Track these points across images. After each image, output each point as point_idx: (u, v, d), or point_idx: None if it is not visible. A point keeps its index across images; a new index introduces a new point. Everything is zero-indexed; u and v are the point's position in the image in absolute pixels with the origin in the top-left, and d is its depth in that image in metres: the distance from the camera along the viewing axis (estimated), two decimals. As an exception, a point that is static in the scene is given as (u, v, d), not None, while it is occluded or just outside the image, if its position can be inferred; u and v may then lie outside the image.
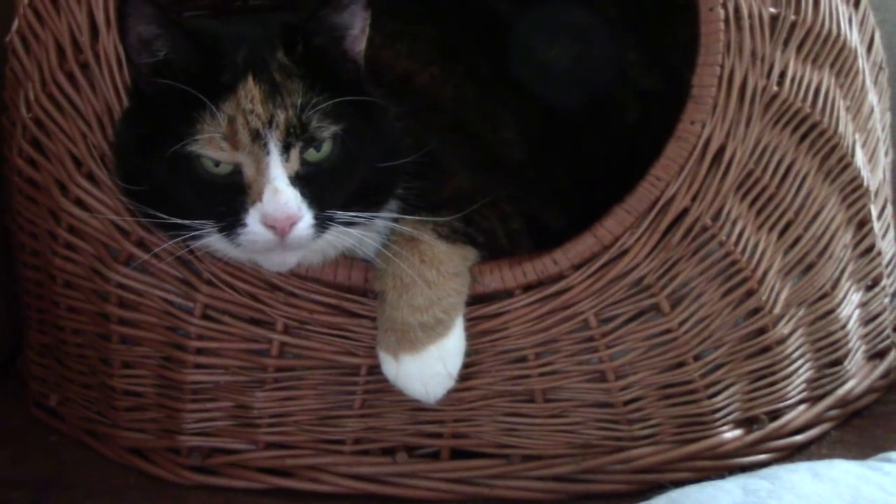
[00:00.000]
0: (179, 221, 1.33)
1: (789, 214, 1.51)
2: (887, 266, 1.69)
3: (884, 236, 1.67)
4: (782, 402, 1.57)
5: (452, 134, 1.58)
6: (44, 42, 1.51)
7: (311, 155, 1.33)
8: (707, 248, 1.47)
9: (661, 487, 1.42)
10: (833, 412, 1.63)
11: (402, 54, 1.62)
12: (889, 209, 1.70)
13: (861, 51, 1.58)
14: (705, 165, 1.44)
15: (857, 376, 1.66)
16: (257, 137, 1.30)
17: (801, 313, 1.56)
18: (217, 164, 1.31)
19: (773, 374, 1.55)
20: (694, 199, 1.45)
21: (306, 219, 1.31)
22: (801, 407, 1.60)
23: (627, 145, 1.61)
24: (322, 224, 1.33)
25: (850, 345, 1.63)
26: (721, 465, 1.52)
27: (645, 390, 1.51)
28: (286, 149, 1.31)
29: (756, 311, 1.52)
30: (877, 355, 1.70)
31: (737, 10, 1.43)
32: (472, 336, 1.46)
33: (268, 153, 1.30)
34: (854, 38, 1.56)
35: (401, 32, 1.65)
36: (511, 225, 1.54)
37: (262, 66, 1.33)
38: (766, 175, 1.48)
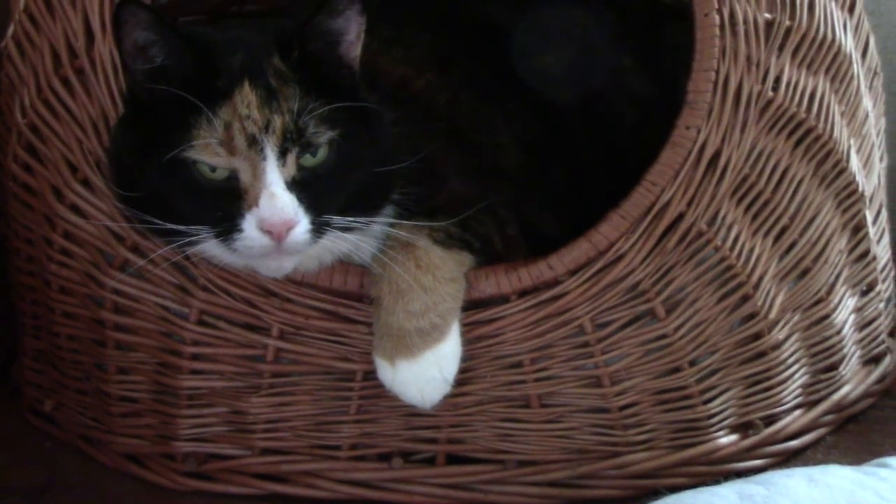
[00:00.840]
0: (176, 227, 1.33)
1: (784, 220, 1.51)
2: (882, 271, 1.69)
3: (879, 241, 1.68)
4: (778, 407, 1.58)
5: (448, 139, 1.58)
6: (39, 47, 1.51)
7: (308, 160, 1.33)
8: (702, 253, 1.47)
9: (656, 493, 1.42)
10: (828, 417, 1.63)
11: (398, 60, 1.62)
12: (884, 214, 1.70)
13: (856, 56, 1.59)
14: (700, 171, 1.44)
15: (853, 381, 1.66)
16: (254, 143, 1.30)
17: (796, 318, 1.56)
18: (213, 169, 1.31)
19: (768, 379, 1.55)
20: (689, 204, 1.45)
21: (303, 224, 1.31)
22: (797, 412, 1.60)
23: (623, 150, 1.61)
24: (318, 229, 1.33)
25: (846, 350, 1.64)
26: (716, 471, 1.52)
27: (640, 396, 1.51)
28: (283, 154, 1.31)
29: (751, 316, 1.52)
30: (872, 360, 1.71)
31: (732, 15, 1.44)
32: (467, 341, 1.46)
33: (264, 158, 1.30)
34: (849, 44, 1.56)
35: (397, 39, 1.65)
36: (507, 230, 1.55)
37: (259, 72, 1.33)
38: (761, 180, 1.48)
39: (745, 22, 1.44)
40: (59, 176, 1.51)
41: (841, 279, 1.60)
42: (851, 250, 1.62)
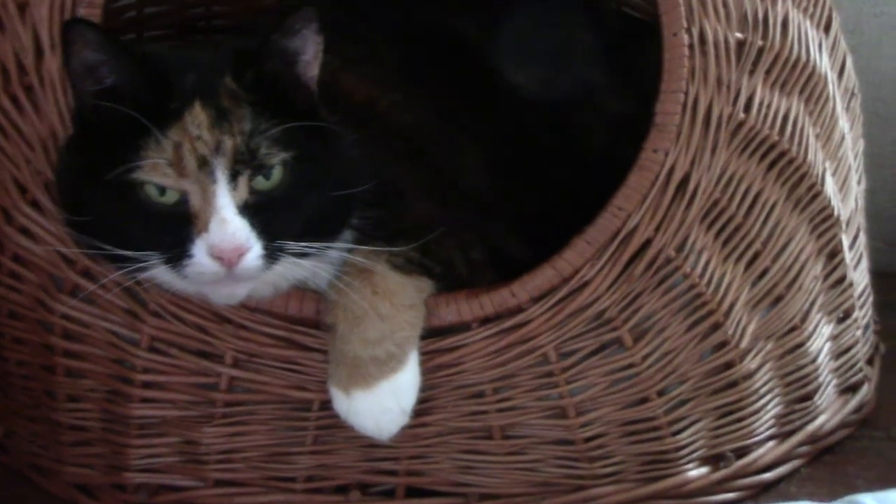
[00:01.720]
0: (124, 253, 1.28)
1: (757, 245, 1.46)
2: (860, 297, 1.64)
3: (856, 267, 1.63)
4: (750, 438, 1.53)
5: (412, 161, 1.53)
6: (-13, 63, 1.46)
7: (260, 183, 1.28)
8: (671, 280, 1.42)
9: (621, 529, 1.37)
10: (803, 448, 1.58)
11: (362, 80, 1.58)
12: (862, 238, 1.65)
13: (832, 76, 1.54)
14: (669, 195, 1.40)
15: (829, 411, 1.61)
16: (204, 164, 1.26)
17: (769, 347, 1.51)
18: (163, 192, 1.27)
19: (740, 409, 1.50)
20: (657, 229, 1.40)
21: (255, 250, 1.26)
22: (770, 443, 1.55)
23: (595, 172, 1.56)
24: (272, 255, 1.28)
25: (821, 379, 1.59)
26: (686, 505, 1.47)
27: (607, 427, 1.46)
28: (234, 176, 1.26)
29: (722, 344, 1.47)
30: (849, 389, 1.66)
31: (701, 35, 1.39)
32: (427, 371, 1.41)
33: (214, 181, 1.26)
34: (824, 64, 1.51)
35: (362, 57, 1.60)
36: (471, 254, 1.50)
37: (210, 92, 1.29)
38: (732, 205, 1.43)
39: (716, 42, 1.40)
40: (7, 197, 1.46)
41: (816, 306, 1.55)
42: (827, 276, 1.57)
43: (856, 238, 1.63)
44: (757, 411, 1.52)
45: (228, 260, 1.25)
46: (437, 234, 1.42)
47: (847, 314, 1.62)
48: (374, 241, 1.38)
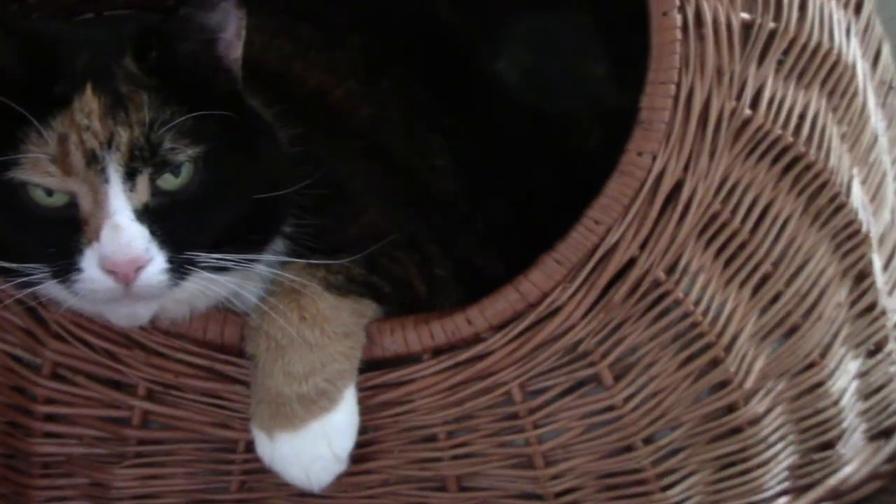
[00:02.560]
0: (5, 265, 1.08)
1: (766, 266, 1.23)
2: (895, 328, 1.40)
3: (891, 292, 1.39)
4: (757, 494, 1.29)
5: (367, 160, 1.33)
6: None
7: (166, 182, 1.08)
8: (660, 307, 1.20)
9: None
10: (824, 505, 1.35)
11: (316, 66, 1.37)
12: (900, 258, 1.41)
13: (863, 66, 1.31)
14: (657, 206, 1.17)
15: (855, 461, 1.37)
16: (94, 160, 1.06)
17: (780, 387, 1.28)
18: (49, 193, 1.07)
19: (744, 460, 1.28)
20: (643, 247, 1.18)
21: (157, 262, 1.07)
22: (782, 500, 1.32)
23: (587, 176, 1.34)
24: (180, 269, 1.08)
25: (846, 423, 1.35)
26: (679, 574, 1.26)
27: (582, 479, 1.24)
28: (130, 175, 1.06)
29: (723, 384, 1.24)
30: (881, 434, 1.41)
31: (698, 14, 1.16)
32: (369, 409, 1.20)
33: (106, 180, 1.06)
34: (853, 51, 1.28)
35: (319, 41, 1.40)
36: (434, 270, 1.28)
37: (106, 75, 1.09)
38: (735, 218, 1.21)
39: (716, 23, 1.17)
40: None
41: (840, 338, 1.32)
42: (854, 303, 1.33)
43: (891, 258, 1.38)
44: (766, 462, 1.29)
45: (124, 274, 1.05)
46: (391, 246, 1.22)
47: (879, 347, 1.38)
48: (311, 253, 1.17)
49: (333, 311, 1.16)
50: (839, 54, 1.25)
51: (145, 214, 1.07)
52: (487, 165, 1.40)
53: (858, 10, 1.31)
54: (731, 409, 1.26)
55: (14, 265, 1.08)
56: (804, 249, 1.25)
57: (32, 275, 1.08)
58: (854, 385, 1.36)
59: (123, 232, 1.05)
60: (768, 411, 1.27)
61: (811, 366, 1.30)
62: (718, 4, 1.17)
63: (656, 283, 1.19)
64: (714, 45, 1.17)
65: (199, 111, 1.08)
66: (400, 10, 1.48)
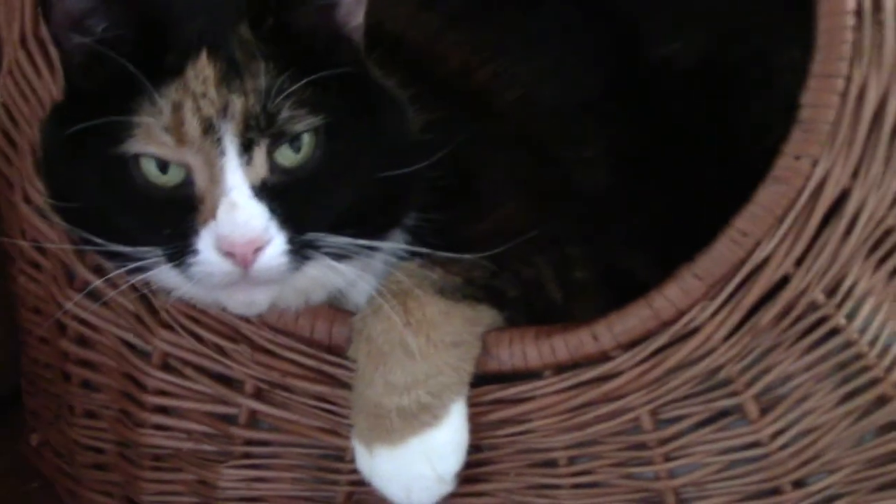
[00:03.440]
0: (119, 249, 1.02)
1: (949, 292, 1.05)
2: None
3: None
4: (929, 553, 1.12)
5: (509, 148, 1.21)
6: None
7: (286, 156, 1.00)
8: (817, 333, 1.04)
9: None
10: None
11: (464, 42, 1.26)
12: None
13: None
14: (817, 218, 1.01)
15: None
16: (209, 129, 0.98)
17: (961, 432, 1.10)
18: (164, 170, 1.00)
19: (915, 514, 1.10)
20: (798, 264, 1.03)
21: (276, 244, 0.98)
22: (960, 561, 1.13)
23: (762, 174, 1.18)
24: (300, 252, 0.99)
25: None
26: None
27: (719, 523, 1.09)
28: (247, 147, 0.98)
29: (892, 426, 1.07)
30: None
31: (875, -4, 0.99)
32: (484, 426, 1.10)
33: (222, 152, 0.98)
34: None
35: (470, 15, 1.28)
36: (573, 273, 1.16)
37: (220, 42, 1.00)
38: (914, 235, 1.03)
39: (899, 7, 1.00)
40: (25, 168, 1.23)
41: None
42: None
43: None
44: (941, 517, 1.11)
45: (242, 256, 0.97)
46: (526, 244, 1.10)
47: None
48: (431, 251, 1.07)
49: (443, 318, 1.06)
50: None
51: (264, 191, 0.98)
52: (649, 159, 1.26)
53: None
54: (901, 454, 1.09)
55: (127, 249, 1.01)
56: None
57: (146, 259, 1.01)
58: None
59: (241, 210, 0.97)
60: (946, 460, 1.10)
61: None
62: (902, -15, 0.99)
63: (814, 307, 1.03)
64: (895, 34, 1.00)
65: (317, 79, 0.99)
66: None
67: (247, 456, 1.18)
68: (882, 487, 1.09)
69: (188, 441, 1.20)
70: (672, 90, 1.29)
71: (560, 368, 1.08)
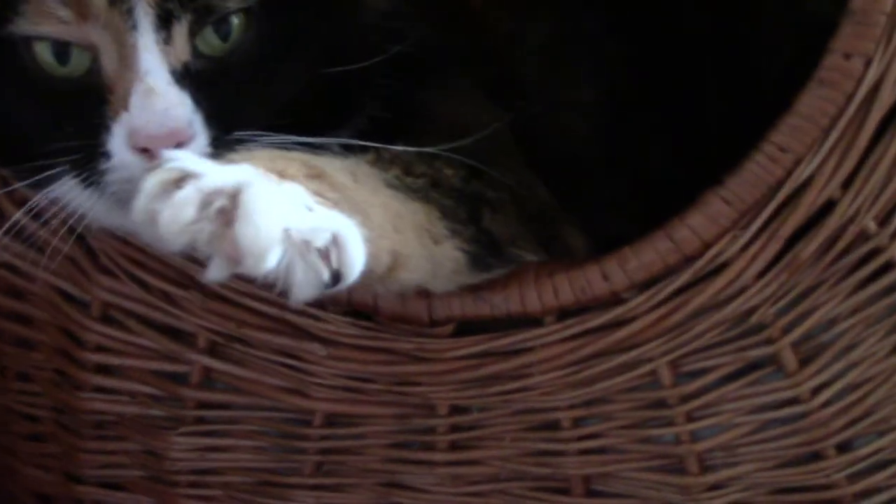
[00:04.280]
0: (15, 158, 0.88)
1: None
2: None
3: None
4: None
5: (491, 96, 1.04)
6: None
7: (211, 43, 0.84)
8: (868, 268, 0.89)
9: None
10: None
11: None
12: None
13: None
14: (868, 129, 0.86)
15: None
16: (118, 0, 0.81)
17: None
18: (63, 57, 0.83)
19: (979, 483, 0.95)
20: (846, 186, 0.87)
21: (199, 141, 0.82)
22: None
23: (774, 99, 1.02)
24: (224, 150, 0.82)
25: None
26: None
27: (750, 493, 0.94)
28: (164, 22, 0.82)
29: (956, 378, 0.92)
30: None
31: None
32: (474, 383, 0.94)
33: (134, 27, 0.81)
34: None
35: None
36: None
37: None
38: (984, 152, 0.88)
39: None
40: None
41: None
42: None
43: None
44: None
45: (157, 151, 0.81)
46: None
47: None
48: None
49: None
50: None
51: (186, 79, 0.83)
52: (647, 93, 1.10)
53: None
54: (964, 412, 0.93)
55: (27, 160, 0.86)
56: None
57: (51, 169, 0.85)
58: None
59: (159, 97, 0.81)
60: None
61: None
62: None
63: (864, 236, 0.88)
64: None
65: None
66: None
67: (200, 421, 1.02)
68: (940, 451, 0.94)
69: (133, 405, 1.04)
70: (670, 11, 1.14)
71: (563, 314, 0.92)
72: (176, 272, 0.99)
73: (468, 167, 0.90)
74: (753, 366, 0.92)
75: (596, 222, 1.00)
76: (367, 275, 0.77)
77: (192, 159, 0.76)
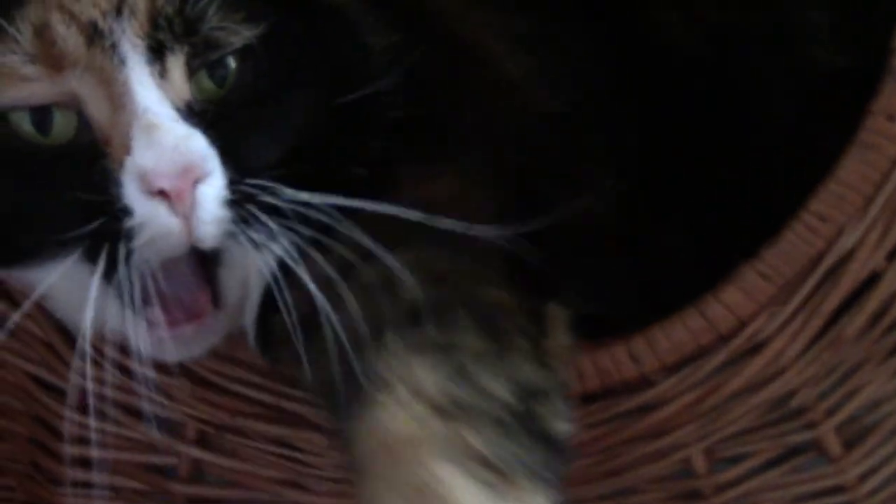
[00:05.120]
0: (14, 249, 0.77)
1: None
2: None
3: None
4: None
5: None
6: None
7: (207, 88, 0.76)
8: (917, 346, 0.84)
9: None
10: None
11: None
12: None
13: None
14: (916, 198, 0.80)
15: None
16: (97, 36, 0.73)
17: None
18: (44, 125, 0.74)
19: None
20: (892, 257, 0.82)
21: (217, 182, 0.73)
22: None
23: (784, 165, 0.96)
24: (243, 205, 0.74)
25: None
26: None
27: (793, 590, 0.88)
28: (157, 54, 0.74)
29: None
30: None
31: None
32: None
33: (121, 60, 0.73)
34: None
35: None
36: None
37: None
38: None
39: None
40: None
41: None
42: None
43: None
44: None
45: (177, 192, 0.72)
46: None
47: None
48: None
49: None
50: None
51: (192, 116, 0.74)
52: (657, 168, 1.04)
53: None
54: None
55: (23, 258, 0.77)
56: None
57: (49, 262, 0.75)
58: None
59: (164, 132, 0.72)
60: None
61: None
62: None
63: (911, 311, 0.83)
64: None
65: None
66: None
67: (191, 520, 0.96)
68: None
69: (117, 501, 0.97)
70: (667, 71, 1.07)
71: (588, 398, 0.86)
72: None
73: None
74: (794, 451, 0.88)
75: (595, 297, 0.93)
76: None
77: None
